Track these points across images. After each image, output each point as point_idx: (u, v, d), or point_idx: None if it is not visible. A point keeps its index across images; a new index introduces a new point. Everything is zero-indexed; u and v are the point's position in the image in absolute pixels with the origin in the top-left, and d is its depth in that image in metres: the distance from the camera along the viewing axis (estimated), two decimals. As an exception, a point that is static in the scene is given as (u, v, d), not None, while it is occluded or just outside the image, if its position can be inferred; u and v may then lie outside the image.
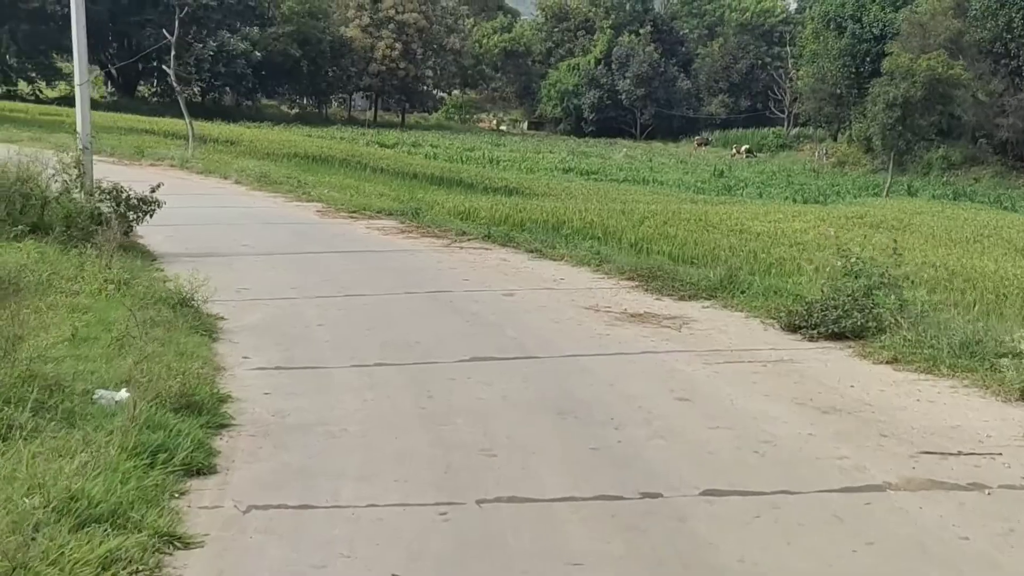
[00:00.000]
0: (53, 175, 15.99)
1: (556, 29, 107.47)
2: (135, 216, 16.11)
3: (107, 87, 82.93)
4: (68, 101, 71.31)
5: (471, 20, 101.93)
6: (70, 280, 12.27)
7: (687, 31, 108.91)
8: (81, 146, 15.85)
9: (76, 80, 16.00)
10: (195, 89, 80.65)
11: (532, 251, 17.98)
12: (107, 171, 29.49)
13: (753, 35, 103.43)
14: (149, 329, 10.17)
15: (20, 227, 14.07)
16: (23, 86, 74.18)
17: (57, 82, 74.79)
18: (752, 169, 69.49)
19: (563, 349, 11.02)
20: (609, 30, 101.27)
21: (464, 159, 60.04)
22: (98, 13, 72.82)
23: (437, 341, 11.24)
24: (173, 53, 34.50)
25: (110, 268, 12.82)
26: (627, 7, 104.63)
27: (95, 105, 70.53)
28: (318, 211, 22.79)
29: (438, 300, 13.61)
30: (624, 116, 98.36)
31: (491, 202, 28.59)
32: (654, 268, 15.58)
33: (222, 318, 11.95)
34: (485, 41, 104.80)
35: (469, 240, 19.22)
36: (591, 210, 27.56)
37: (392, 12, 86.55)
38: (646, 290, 14.63)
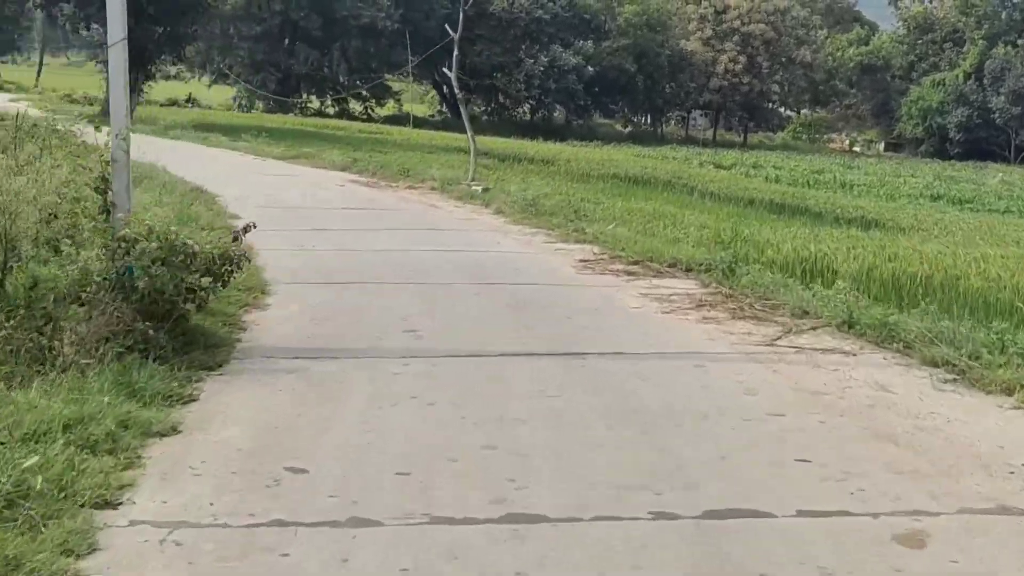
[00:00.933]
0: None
1: (919, 41, 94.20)
2: (198, 285, 8.53)
3: (441, 106, 78.64)
4: (397, 120, 67.28)
5: (824, 32, 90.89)
6: None
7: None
8: (111, 155, 8.48)
9: (108, 40, 8.72)
10: (524, 107, 75.01)
11: (938, 364, 9.02)
12: (345, 194, 22.81)
13: None
14: None
15: None
16: (355, 105, 70.76)
17: (387, 100, 70.97)
18: None
19: None
20: (981, 41, 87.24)
21: (811, 183, 50.39)
22: (430, 29, 68.40)
23: None
24: (455, 53, 27.48)
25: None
26: (1003, 16, 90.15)
27: (420, 123, 66.12)
28: (581, 260, 14.58)
29: (720, 557, 5.09)
30: (996, 137, 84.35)
31: (846, 242, 19.67)
32: None
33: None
34: (839, 55, 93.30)
35: (814, 329, 10.48)
36: (991, 258, 17.83)
37: (737, 23, 77.54)
38: None
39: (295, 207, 19.30)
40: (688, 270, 13.74)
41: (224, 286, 8.86)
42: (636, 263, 14.27)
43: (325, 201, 20.45)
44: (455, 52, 27.51)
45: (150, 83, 47.68)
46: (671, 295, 12.09)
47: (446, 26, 29.75)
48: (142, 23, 44.17)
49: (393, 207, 20.09)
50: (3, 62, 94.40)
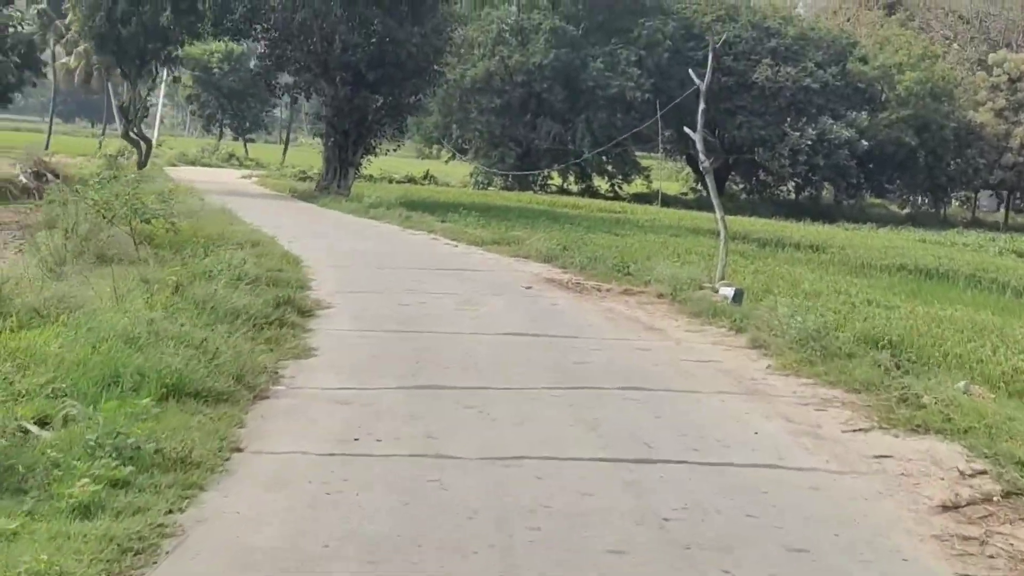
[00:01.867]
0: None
1: None
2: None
3: (696, 183, 70.57)
4: (645, 198, 59.76)
5: None
6: None
7: None
8: None
9: None
10: (789, 185, 65.85)
11: None
12: (523, 304, 14.77)
13: None
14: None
15: None
16: (600, 182, 63.67)
17: (634, 176, 63.48)
18: None
19: None
20: None
21: None
22: (690, 101, 60.86)
23: None
24: (701, 107, 19.71)
25: None
26: None
27: (669, 201, 58.21)
28: (944, 507, 6.30)
29: None
30: None
31: None
32: None
33: None
34: None
35: None
36: None
37: (1035, 92, 65.98)
38: None
39: (432, 329, 11.94)
40: None
41: None
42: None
43: (486, 318, 12.97)
44: (701, 106, 19.71)
45: (369, 157, 41.94)
46: None
47: (689, 71, 21.96)
48: (361, 92, 38.73)
49: (584, 333, 12.30)
50: (267, 141, 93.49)
